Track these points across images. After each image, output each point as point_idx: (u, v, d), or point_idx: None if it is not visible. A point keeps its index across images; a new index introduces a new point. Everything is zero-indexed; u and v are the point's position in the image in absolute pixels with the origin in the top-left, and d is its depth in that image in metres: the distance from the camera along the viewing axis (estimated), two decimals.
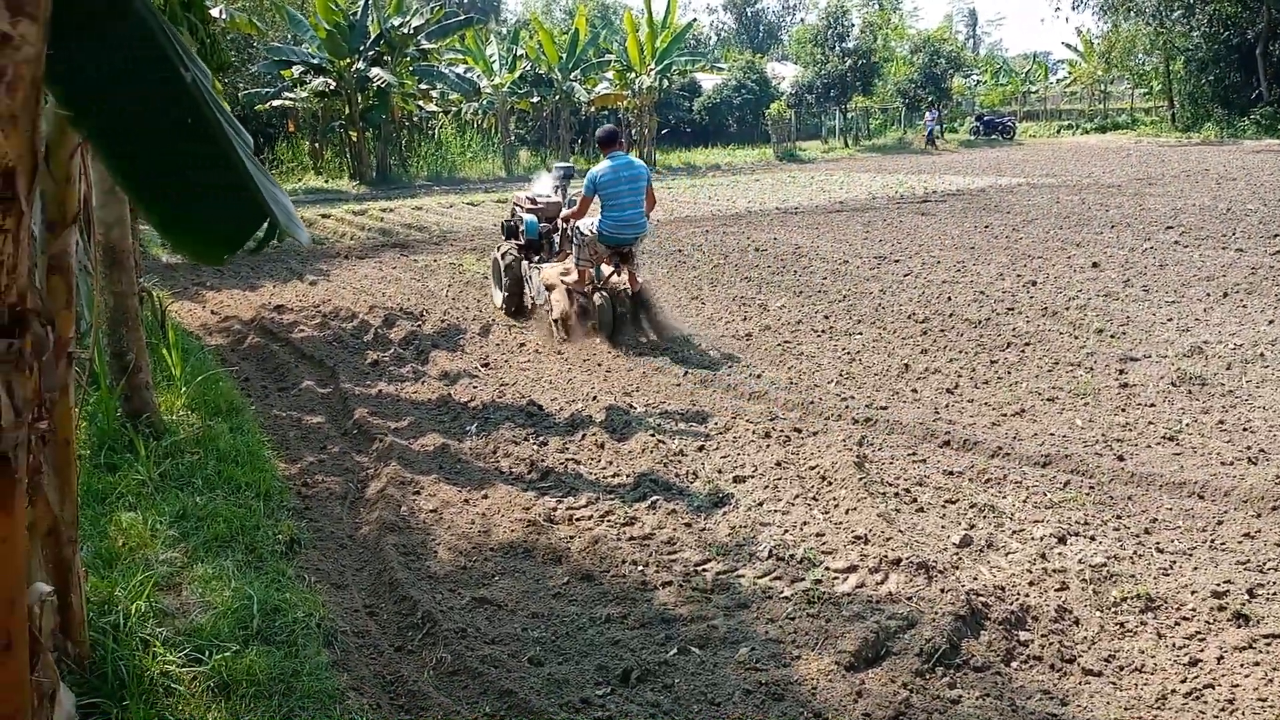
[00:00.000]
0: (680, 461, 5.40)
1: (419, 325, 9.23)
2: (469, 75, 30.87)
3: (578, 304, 8.22)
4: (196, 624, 3.47)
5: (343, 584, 4.08)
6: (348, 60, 25.55)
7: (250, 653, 3.30)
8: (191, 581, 3.84)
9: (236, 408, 6.22)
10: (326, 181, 27.13)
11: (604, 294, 8.19)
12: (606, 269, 8.34)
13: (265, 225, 2.06)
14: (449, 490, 5.06)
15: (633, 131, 36.94)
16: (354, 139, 27.45)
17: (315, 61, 25.78)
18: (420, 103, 31.14)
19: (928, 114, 41.01)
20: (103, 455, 5.01)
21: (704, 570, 4.12)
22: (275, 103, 26.77)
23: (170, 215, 2.08)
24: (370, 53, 25.78)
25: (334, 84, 25.83)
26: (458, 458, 5.57)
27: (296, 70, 26.03)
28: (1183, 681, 3.20)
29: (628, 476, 5.19)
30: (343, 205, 21.09)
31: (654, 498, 4.85)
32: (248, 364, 7.97)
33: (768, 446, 5.54)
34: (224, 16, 11.75)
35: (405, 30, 26.12)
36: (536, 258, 9.42)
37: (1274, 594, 3.70)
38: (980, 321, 8.27)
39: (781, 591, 3.89)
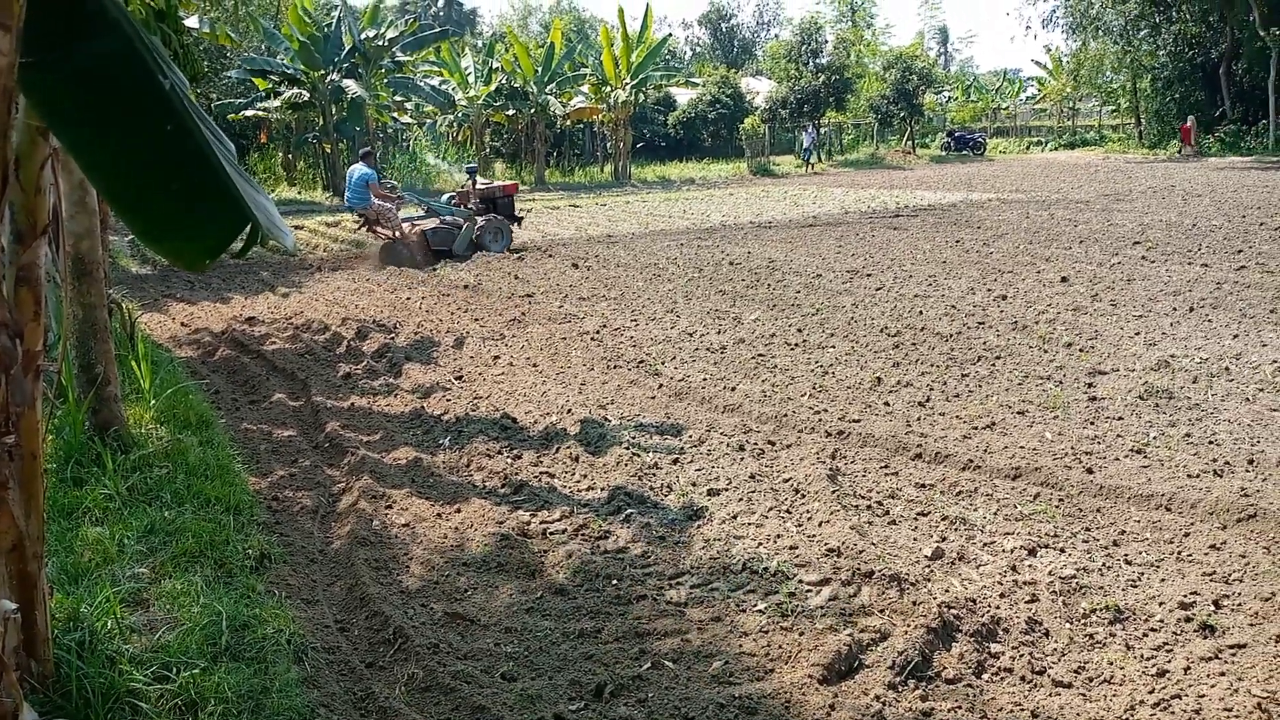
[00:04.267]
0: (655, 475, 5.40)
1: (392, 338, 9.18)
2: (444, 87, 30.85)
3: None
4: (164, 641, 3.42)
5: (313, 599, 4.04)
6: (321, 71, 25.47)
7: (219, 670, 3.26)
8: (159, 597, 3.79)
9: (206, 421, 6.16)
10: (300, 193, 26.98)
11: (391, 246, 14.36)
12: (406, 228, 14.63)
13: (248, 230, 2.04)
14: (421, 504, 5.03)
15: (608, 145, 37.05)
16: (328, 150, 27.35)
17: (289, 72, 25.70)
18: (395, 114, 31.09)
19: (804, 134, 38.57)
20: (69, 469, 4.94)
21: (678, 584, 4.12)
22: (248, 113, 26.62)
23: (152, 222, 2.06)
24: (345, 64, 25.71)
25: (308, 95, 25.74)
26: (430, 471, 5.54)
27: (270, 81, 25.92)
28: (1150, 692, 3.23)
29: (602, 490, 5.19)
30: (316, 217, 20.99)
31: (628, 511, 4.84)
32: (218, 376, 7.90)
33: (742, 459, 5.56)
34: (199, 26, 11.68)
35: (380, 42, 26.10)
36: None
37: (1239, 605, 3.75)
38: (951, 335, 8.35)
39: (755, 605, 3.89)
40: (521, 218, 16.12)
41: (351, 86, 25.11)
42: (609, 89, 33.41)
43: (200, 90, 24.15)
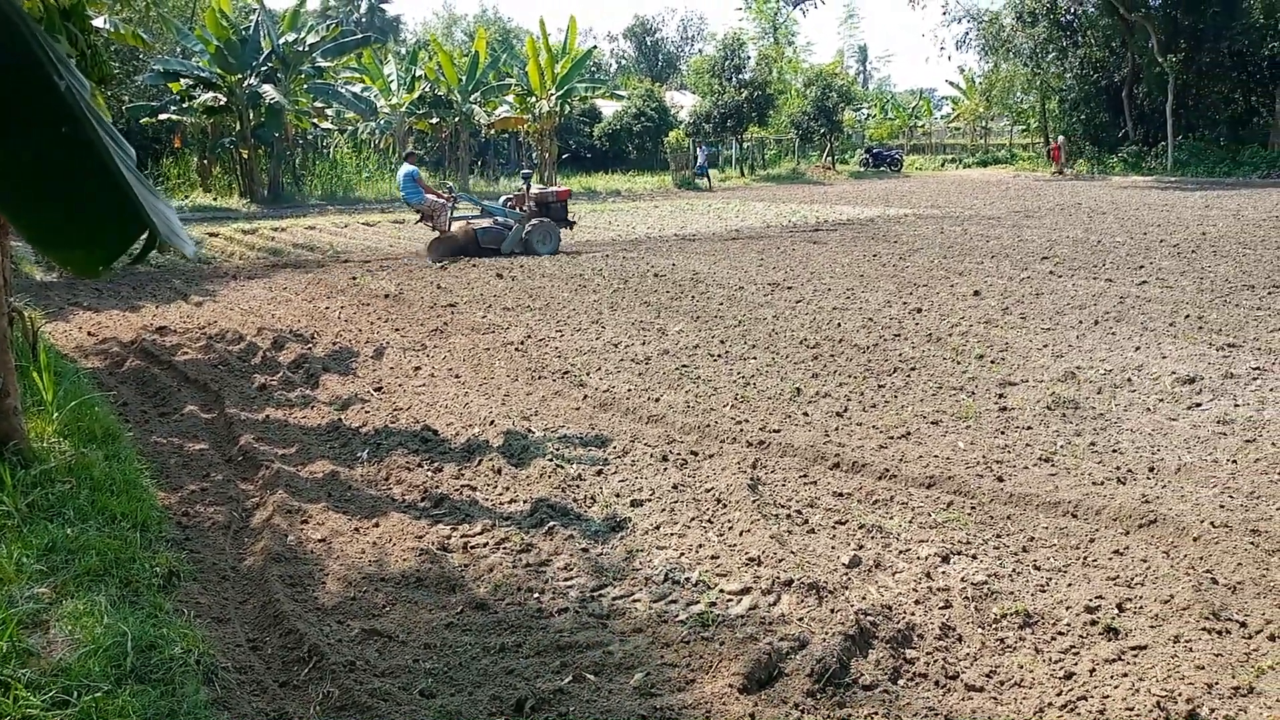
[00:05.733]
0: (578, 486, 5.39)
1: (309, 348, 8.99)
2: (366, 94, 30.40)
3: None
4: (64, 664, 3.28)
5: (225, 618, 3.92)
6: (238, 76, 24.88)
7: (123, 693, 3.14)
8: (60, 619, 3.64)
9: (113, 434, 5.94)
10: (215, 199, 26.30)
11: (441, 240, 15.43)
12: (456, 226, 15.65)
13: (145, 236, 1.98)
14: (339, 519, 4.93)
15: (534, 155, 36.96)
16: (245, 156, 26.70)
17: (204, 76, 25.04)
18: (315, 120, 30.53)
19: (699, 151, 37.28)
20: None
21: (600, 596, 4.11)
22: (162, 116, 25.85)
23: (42, 226, 1.99)
24: (263, 69, 25.16)
25: (224, 99, 25.11)
26: (348, 485, 5.44)
27: (184, 84, 25.22)
28: (1058, 695, 3.34)
29: (525, 503, 5.15)
30: (232, 224, 20.48)
31: (551, 524, 4.82)
32: (126, 388, 7.63)
33: (665, 470, 5.58)
34: (107, 26, 11.32)
35: (299, 47, 25.61)
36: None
37: (1141, 608, 3.89)
38: (868, 347, 8.52)
39: (677, 615, 3.91)
40: (574, 222, 17.17)
41: (270, 92, 24.58)
42: (534, 99, 33.34)
43: (111, 93, 23.39)
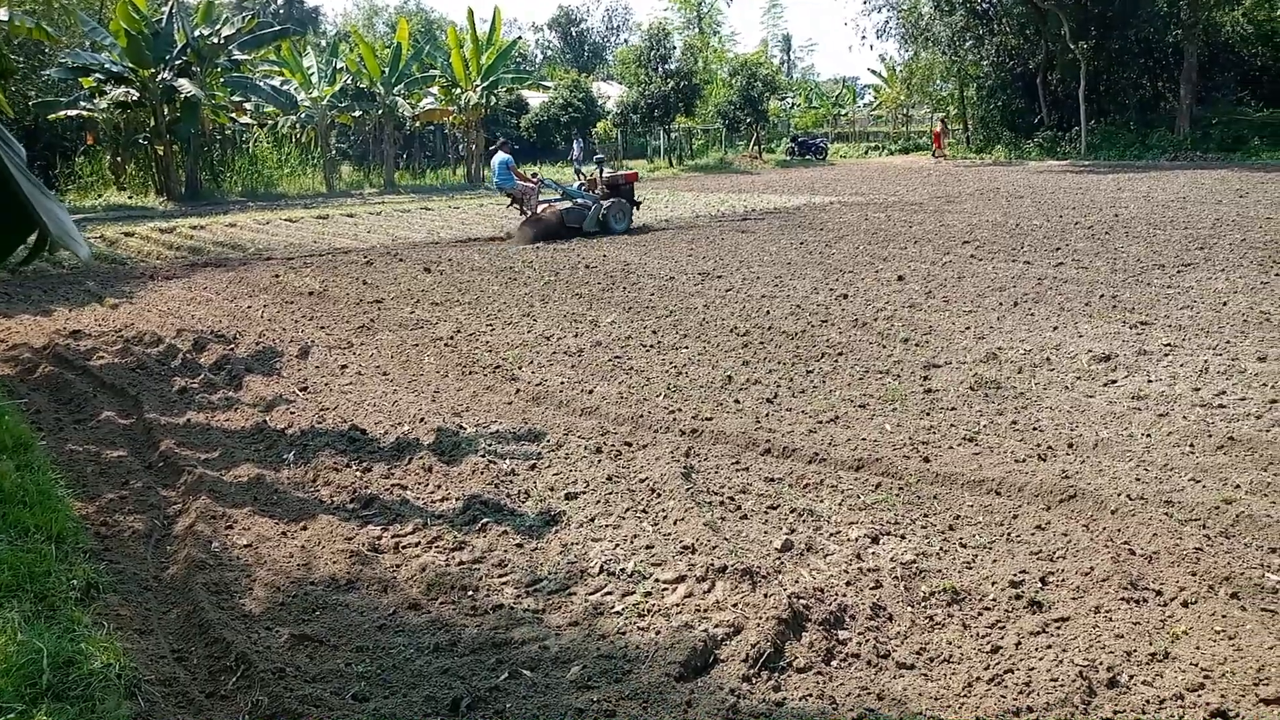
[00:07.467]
0: (512, 481, 5.35)
1: (232, 349, 8.77)
2: (286, 88, 29.72)
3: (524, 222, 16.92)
4: None
5: (148, 629, 3.81)
6: (152, 70, 24.11)
7: (39, 712, 3.03)
8: None
9: (24, 443, 5.73)
10: (130, 198, 25.48)
11: (531, 222, 16.67)
12: (541, 207, 17.14)
13: (35, 236, 1.90)
14: (265, 523, 4.82)
15: (460, 147, 36.56)
16: (161, 153, 25.91)
17: (116, 70, 24.21)
18: (233, 115, 29.76)
19: (574, 143, 35.89)
20: None
21: (535, 591, 4.09)
22: (71, 113, 24.92)
23: None
24: (177, 62, 24.43)
25: (137, 94, 24.32)
26: (274, 488, 5.32)
27: (95, 79, 24.36)
28: (986, 669, 3.42)
29: (457, 500, 5.10)
30: (148, 223, 19.87)
31: (484, 520, 4.78)
32: (39, 395, 7.35)
33: (599, 461, 5.57)
34: (5, 19, 10.86)
35: (215, 40, 24.94)
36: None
37: (1063, 581, 4.01)
38: (797, 333, 8.61)
39: (613, 606, 3.91)
40: (640, 202, 18.65)
41: (185, 86, 23.89)
42: (459, 91, 32.96)
43: (15, 88, 22.52)
